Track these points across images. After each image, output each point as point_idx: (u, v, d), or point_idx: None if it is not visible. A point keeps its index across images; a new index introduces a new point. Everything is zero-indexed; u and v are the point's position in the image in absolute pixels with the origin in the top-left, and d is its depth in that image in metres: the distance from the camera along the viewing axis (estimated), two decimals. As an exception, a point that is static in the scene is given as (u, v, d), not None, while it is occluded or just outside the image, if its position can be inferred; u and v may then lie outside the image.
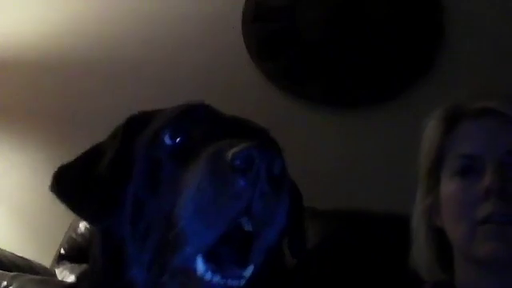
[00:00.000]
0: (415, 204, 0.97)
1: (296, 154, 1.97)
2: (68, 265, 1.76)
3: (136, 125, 0.88)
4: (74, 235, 1.79)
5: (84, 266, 1.54)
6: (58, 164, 0.88)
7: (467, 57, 1.96)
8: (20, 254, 1.76)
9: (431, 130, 0.96)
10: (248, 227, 0.70)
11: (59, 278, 1.72)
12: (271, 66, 2.05)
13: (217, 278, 0.70)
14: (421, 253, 0.96)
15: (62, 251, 1.80)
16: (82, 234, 1.77)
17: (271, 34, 2.06)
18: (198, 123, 0.84)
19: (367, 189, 1.89)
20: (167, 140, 0.81)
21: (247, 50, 2.07)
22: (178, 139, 0.81)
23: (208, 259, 0.70)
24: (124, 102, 2.08)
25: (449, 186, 0.91)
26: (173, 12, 2.14)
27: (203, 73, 2.11)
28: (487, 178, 0.85)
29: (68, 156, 0.89)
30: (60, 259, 1.79)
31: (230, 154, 0.70)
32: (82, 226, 1.77)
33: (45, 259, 1.84)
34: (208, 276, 0.70)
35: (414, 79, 1.97)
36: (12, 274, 1.53)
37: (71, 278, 1.69)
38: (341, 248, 1.59)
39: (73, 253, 1.77)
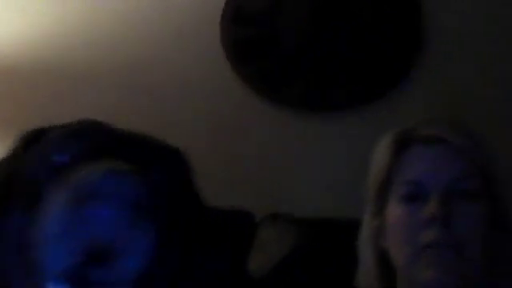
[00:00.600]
0: (362, 225, 0.99)
1: (273, 158, 1.99)
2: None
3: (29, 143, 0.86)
4: None
5: None
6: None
7: (448, 58, 1.97)
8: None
9: (381, 152, 0.98)
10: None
11: None
12: (249, 69, 2.03)
13: None
14: (366, 274, 0.97)
15: None
16: None
17: (249, 38, 2.04)
18: (86, 143, 0.82)
19: (347, 195, 1.86)
20: (50, 160, 0.80)
21: (225, 54, 2.04)
22: (61, 159, 0.80)
23: (72, 282, 0.72)
24: (97, 107, 2.06)
25: (395, 211, 0.92)
26: (148, 14, 2.10)
27: (179, 76, 2.07)
28: (432, 205, 0.87)
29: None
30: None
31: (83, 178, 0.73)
32: None
33: None
34: None
35: (393, 82, 1.97)
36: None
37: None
38: (314, 256, 1.57)
39: None
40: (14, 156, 0.83)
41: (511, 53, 1.95)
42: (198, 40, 2.07)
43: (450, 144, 0.92)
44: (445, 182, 0.89)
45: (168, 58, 2.08)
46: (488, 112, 1.92)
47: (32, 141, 0.84)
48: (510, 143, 1.88)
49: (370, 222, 0.98)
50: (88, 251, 0.71)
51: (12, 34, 2.10)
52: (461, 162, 0.92)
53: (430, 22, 1.97)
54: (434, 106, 1.90)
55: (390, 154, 0.96)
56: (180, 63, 2.08)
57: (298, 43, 2.01)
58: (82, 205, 0.72)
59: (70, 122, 0.86)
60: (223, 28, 2.05)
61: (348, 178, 1.85)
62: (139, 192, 0.75)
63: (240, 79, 2.03)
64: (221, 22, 2.04)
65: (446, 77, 1.95)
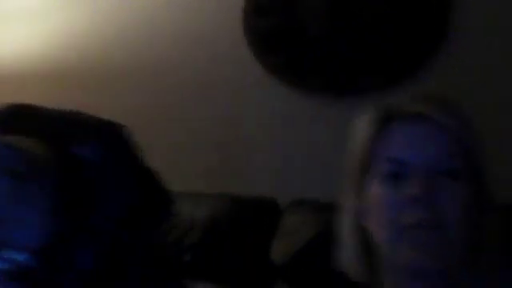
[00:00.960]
0: (343, 205, 0.96)
1: (299, 145, 2.01)
2: None
3: None
4: None
5: None
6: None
7: (472, 46, 1.92)
8: None
9: (362, 128, 0.94)
10: None
11: None
12: (272, 60, 2.05)
13: None
14: (348, 254, 0.96)
15: None
16: None
17: (272, 28, 2.06)
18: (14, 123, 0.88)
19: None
20: None
21: (248, 45, 2.07)
22: None
23: None
24: (127, 103, 2.13)
25: (377, 190, 0.89)
26: (172, 8, 2.15)
27: (204, 68, 2.12)
28: (415, 185, 0.84)
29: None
30: None
31: None
32: None
33: None
34: None
35: (416, 66, 1.94)
36: None
37: None
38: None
39: None
40: None
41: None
42: (221, 34, 2.10)
43: (436, 122, 0.89)
44: (429, 161, 0.87)
45: (192, 55, 2.13)
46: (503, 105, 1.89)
47: None
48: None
49: (350, 201, 0.95)
50: None
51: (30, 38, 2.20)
52: (446, 141, 0.88)
53: (456, 13, 1.93)
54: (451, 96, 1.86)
55: (373, 130, 0.92)
56: (204, 58, 2.12)
57: (320, 30, 2.01)
58: None
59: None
60: (245, 20, 2.07)
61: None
62: (18, 164, 0.78)
63: (264, 69, 2.05)
64: (243, 14, 2.07)
65: (465, 67, 1.91)
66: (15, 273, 0.79)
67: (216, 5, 2.11)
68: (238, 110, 2.09)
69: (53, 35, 2.21)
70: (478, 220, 0.89)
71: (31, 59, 2.23)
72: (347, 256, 0.96)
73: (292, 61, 2.03)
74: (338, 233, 0.97)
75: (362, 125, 0.94)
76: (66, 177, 0.82)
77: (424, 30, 1.96)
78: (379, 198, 0.89)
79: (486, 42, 1.92)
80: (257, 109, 2.08)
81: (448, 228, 0.84)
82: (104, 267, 0.85)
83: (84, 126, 0.94)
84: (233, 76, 2.09)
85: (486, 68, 1.91)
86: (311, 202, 1.68)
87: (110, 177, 0.83)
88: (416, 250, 0.84)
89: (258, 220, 1.66)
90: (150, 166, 1.13)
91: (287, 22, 2.04)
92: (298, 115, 2.03)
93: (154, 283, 1.00)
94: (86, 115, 0.97)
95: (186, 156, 2.09)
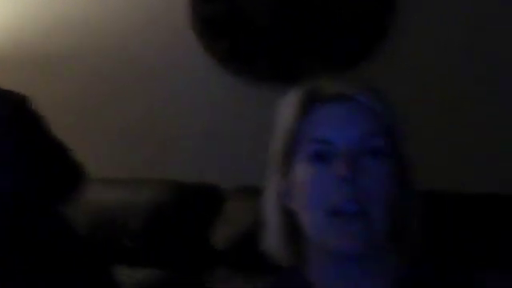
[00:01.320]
0: (268, 187, 0.95)
1: (245, 132, 2.01)
2: None
3: None
4: None
5: None
6: None
7: (419, 31, 1.95)
8: None
9: (286, 111, 0.92)
10: None
11: None
12: (218, 46, 2.04)
13: None
14: (273, 237, 0.94)
15: None
16: None
17: (218, 15, 2.05)
18: None
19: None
20: None
21: (194, 31, 2.06)
22: None
23: None
24: (66, 88, 2.10)
25: (302, 171, 0.88)
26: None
27: (150, 54, 2.10)
28: (340, 165, 0.84)
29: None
30: None
31: None
32: None
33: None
34: None
35: (363, 53, 1.96)
36: None
37: None
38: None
39: None
40: None
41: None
42: (168, 19, 2.08)
43: (358, 102, 0.89)
44: (353, 140, 0.87)
45: (136, 40, 2.11)
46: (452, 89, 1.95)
47: None
48: (476, 115, 1.92)
49: (275, 183, 0.93)
50: None
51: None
52: (368, 120, 0.89)
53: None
54: (403, 79, 1.91)
55: (296, 111, 0.91)
56: (149, 44, 2.10)
57: (266, 18, 2.01)
58: None
59: None
60: (191, 5, 2.05)
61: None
62: None
63: (210, 56, 2.04)
64: (189, 1, 2.06)
65: (417, 49, 1.94)
66: None
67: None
68: (182, 97, 2.08)
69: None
70: (401, 201, 0.90)
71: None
72: (272, 239, 0.94)
73: (238, 48, 2.03)
74: (264, 216, 0.95)
75: (286, 107, 0.93)
76: None
77: (368, 23, 1.97)
78: (304, 179, 0.88)
79: (425, 39, 1.95)
80: (202, 95, 2.07)
81: (372, 206, 0.85)
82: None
83: None
84: (177, 62, 2.08)
85: (423, 63, 1.94)
86: (254, 188, 1.67)
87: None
88: (341, 235, 0.84)
89: (201, 206, 1.66)
90: (58, 139, 1.11)
91: (233, 9, 2.03)
92: (243, 102, 2.02)
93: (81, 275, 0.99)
94: None
95: (129, 143, 2.08)
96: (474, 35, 1.92)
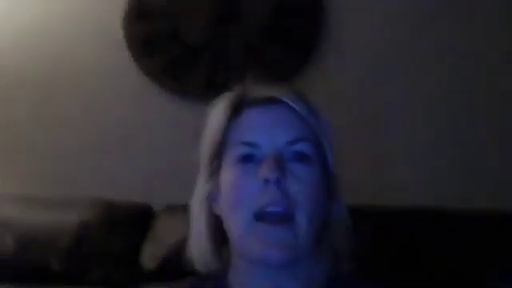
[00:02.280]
0: (195, 191, 0.95)
1: (177, 150, 2.01)
2: None
3: None
4: None
5: None
6: None
7: (349, 45, 2.02)
8: None
9: (215, 116, 0.94)
10: None
11: None
12: (152, 63, 2.05)
13: None
14: (198, 242, 0.94)
15: None
16: None
17: (152, 33, 2.06)
18: None
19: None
20: None
21: (128, 49, 2.06)
22: None
23: None
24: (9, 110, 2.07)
25: (228, 174, 0.89)
26: (52, 10, 2.10)
27: (84, 72, 2.08)
28: (265, 167, 0.85)
29: None
30: None
31: None
32: None
33: None
34: None
35: (294, 69, 2.00)
36: None
37: None
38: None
39: None
40: None
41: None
42: (102, 37, 2.08)
43: (286, 105, 0.90)
44: (280, 144, 0.88)
45: (73, 56, 2.09)
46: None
47: None
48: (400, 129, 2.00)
49: (202, 187, 0.93)
50: None
51: None
52: (296, 125, 0.90)
53: (332, 9, 2.01)
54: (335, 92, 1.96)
55: (225, 117, 0.92)
56: (85, 61, 2.08)
57: (200, 36, 2.03)
58: None
59: None
60: (125, 23, 2.06)
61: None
62: None
63: (143, 74, 2.05)
64: (124, 18, 2.06)
65: (348, 62, 2.00)
66: None
67: (96, 7, 2.08)
68: (115, 114, 2.06)
69: None
70: (327, 207, 0.91)
71: None
72: (197, 244, 0.94)
73: (173, 66, 2.04)
74: (190, 220, 0.95)
75: (214, 110, 0.94)
76: None
77: (300, 38, 2.03)
78: (230, 182, 0.88)
79: (355, 54, 2.02)
80: (135, 113, 2.07)
81: (298, 213, 0.85)
82: None
83: None
84: (111, 80, 2.07)
85: (353, 78, 2.01)
86: (185, 206, 1.67)
87: None
88: (266, 244, 0.84)
89: (131, 225, 1.65)
90: None
91: (167, 27, 2.05)
92: (176, 120, 2.03)
93: None
94: None
95: (62, 160, 2.05)
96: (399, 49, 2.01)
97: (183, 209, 1.67)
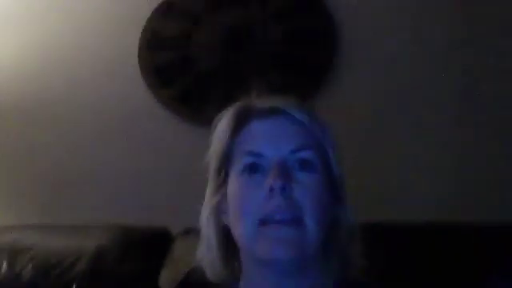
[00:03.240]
0: (204, 202, 0.98)
1: (193, 174, 2.02)
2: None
3: None
4: None
5: None
6: None
7: (362, 69, 2.05)
8: None
9: (221, 127, 0.97)
10: None
11: None
12: (167, 93, 2.09)
13: None
14: (208, 252, 0.96)
15: None
16: None
17: (167, 62, 2.11)
18: None
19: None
20: None
21: (143, 79, 2.11)
22: None
23: None
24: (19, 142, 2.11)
25: (235, 184, 0.92)
26: (67, 42, 2.17)
27: (100, 103, 2.13)
28: (271, 176, 0.87)
29: None
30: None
31: None
32: None
33: None
34: None
35: (307, 94, 2.01)
36: None
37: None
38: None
39: None
40: None
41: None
42: (117, 67, 2.13)
43: (288, 115, 0.93)
44: (283, 153, 0.90)
45: (86, 87, 2.14)
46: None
47: None
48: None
49: (210, 198, 0.96)
50: None
51: None
52: (299, 134, 0.92)
53: (345, 34, 2.05)
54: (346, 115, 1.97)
55: (231, 128, 0.95)
56: (100, 92, 2.13)
57: (213, 64, 2.07)
58: None
59: None
60: (140, 54, 2.11)
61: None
62: None
63: (159, 103, 2.09)
64: (138, 48, 2.12)
65: (362, 84, 2.03)
66: None
67: (112, 39, 2.14)
68: (131, 142, 2.10)
69: None
70: (334, 214, 0.92)
71: None
72: (208, 255, 0.95)
73: (185, 94, 2.08)
74: (201, 232, 0.97)
75: (220, 123, 0.98)
76: None
77: (312, 62, 2.06)
78: (237, 192, 0.90)
79: (368, 77, 2.05)
80: (151, 140, 2.10)
81: (304, 216, 0.86)
82: None
83: None
84: (127, 109, 2.11)
85: (366, 101, 2.03)
86: (198, 230, 1.67)
87: None
88: (272, 242, 0.85)
89: (148, 249, 1.66)
90: None
91: (181, 56, 2.10)
92: (191, 147, 2.03)
93: None
94: None
95: (79, 189, 2.08)
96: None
97: (197, 231, 1.70)
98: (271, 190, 0.87)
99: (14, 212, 2.07)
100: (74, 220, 1.91)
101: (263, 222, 0.87)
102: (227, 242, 0.94)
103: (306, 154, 0.91)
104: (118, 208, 2.03)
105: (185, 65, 2.09)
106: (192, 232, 1.69)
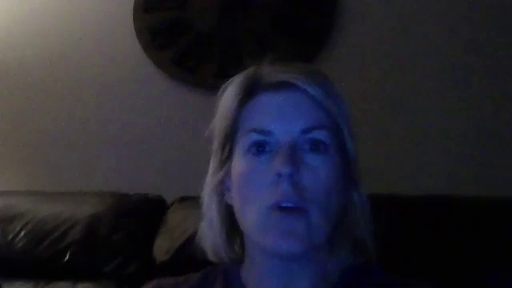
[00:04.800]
0: (207, 178, 0.90)
1: (189, 140, 1.99)
2: None
3: None
4: None
5: None
6: None
7: (362, 32, 1.98)
8: None
9: (228, 98, 0.88)
10: None
11: None
12: (163, 55, 2.03)
13: None
14: (212, 232, 0.89)
15: None
16: None
17: (162, 24, 2.04)
18: None
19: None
20: None
21: (139, 41, 2.05)
22: None
23: None
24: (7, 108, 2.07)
25: (240, 164, 0.84)
26: (62, 6, 2.10)
27: (93, 67, 2.08)
28: (278, 160, 0.80)
29: None
30: None
31: None
32: None
33: None
34: None
35: (307, 58, 1.94)
36: None
37: None
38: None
39: None
40: None
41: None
42: (111, 30, 2.07)
43: (301, 91, 0.84)
44: (293, 132, 0.82)
45: (84, 51, 2.09)
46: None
47: None
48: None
49: (213, 175, 0.88)
50: None
51: None
52: (312, 112, 0.83)
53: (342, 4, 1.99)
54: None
55: (238, 100, 0.86)
56: (96, 54, 2.08)
57: (209, 26, 2.01)
58: None
59: None
60: (135, 16, 2.05)
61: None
62: None
63: (155, 65, 2.03)
64: (133, 10, 2.05)
65: (358, 58, 1.96)
66: None
67: (106, 1, 2.08)
68: (127, 107, 2.05)
69: None
70: (346, 197, 0.86)
71: None
72: (211, 233, 0.89)
73: (182, 56, 2.02)
74: (203, 209, 0.90)
75: (226, 94, 0.89)
76: None
77: (312, 26, 1.99)
78: (243, 174, 0.83)
79: (367, 41, 1.98)
80: (147, 105, 2.05)
81: (313, 208, 0.80)
82: None
83: None
84: (122, 72, 2.06)
85: (367, 65, 1.97)
86: (198, 198, 1.65)
87: None
88: (280, 234, 0.79)
89: (143, 217, 1.63)
90: None
91: (176, 18, 2.03)
92: (188, 110, 2.01)
93: None
94: None
95: (75, 155, 2.04)
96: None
97: (196, 200, 1.67)
98: (279, 175, 0.80)
99: (2, 178, 2.04)
100: (68, 186, 1.88)
101: (270, 209, 0.80)
102: (230, 222, 0.88)
103: (318, 134, 0.83)
104: (112, 175, 1.99)
105: (181, 27, 2.03)
106: (187, 200, 1.67)
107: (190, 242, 1.47)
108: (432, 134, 1.92)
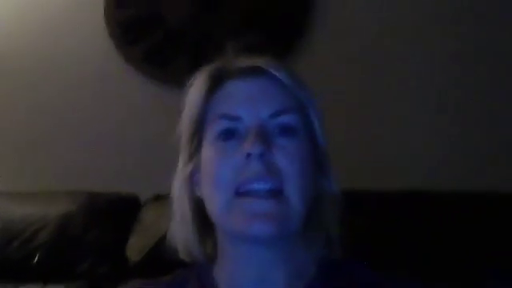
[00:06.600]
0: (176, 172, 0.88)
1: (159, 138, 1.95)
2: None
3: None
4: None
5: None
6: None
7: (335, 30, 1.97)
8: None
9: (194, 90, 0.87)
10: None
11: None
12: (134, 50, 2.00)
13: None
14: (181, 227, 0.87)
15: None
16: None
17: (133, 20, 2.01)
18: None
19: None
20: None
21: (110, 36, 2.01)
22: None
23: None
24: None
25: (209, 151, 0.82)
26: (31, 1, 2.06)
27: (64, 63, 2.04)
28: (248, 142, 0.78)
29: None
30: None
31: None
32: None
33: None
34: None
35: (279, 55, 1.90)
36: None
37: None
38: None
39: None
40: None
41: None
42: (82, 25, 2.03)
43: (271, 76, 0.83)
44: (262, 117, 0.81)
45: (53, 43, 2.04)
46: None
47: None
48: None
49: (183, 168, 0.86)
50: None
51: None
52: (280, 96, 0.83)
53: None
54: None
55: (205, 90, 0.86)
56: (65, 49, 2.04)
57: (180, 22, 1.98)
58: None
59: None
60: (106, 11, 2.01)
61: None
62: None
63: (125, 61, 2.00)
64: (104, 5, 2.01)
65: (337, 44, 1.96)
66: None
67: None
68: (98, 103, 2.01)
69: None
70: (317, 183, 0.84)
71: None
72: (181, 228, 0.87)
73: (154, 52, 1.99)
74: (173, 206, 0.87)
75: (194, 86, 0.88)
76: None
77: (285, 23, 1.98)
78: (211, 160, 0.81)
79: (341, 38, 1.98)
80: (119, 101, 2.02)
81: (285, 189, 0.78)
82: None
83: None
84: (93, 68, 2.02)
85: (340, 63, 1.96)
86: (167, 196, 1.62)
87: None
88: (251, 217, 0.77)
89: (116, 216, 1.60)
90: None
91: (147, 13, 2.00)
92: (157, 106, 1.97)
93: None
94: None
95: (44, 153, 2.00)
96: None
97: (170, 199, 1.65)
98: (248, 155, 0.78)
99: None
100: (37, 186, 1.84)
101: (239, 192, 0.78)
102: (202, 217, 0.85)
103: (288, 119, 0.82)
104: (83, 173, 1.95)
105: (153, 22, 2.00)
106: (161, 199, 1.64)
107: (164, 241, 1.44)
108: (418, 127, 1.92)
